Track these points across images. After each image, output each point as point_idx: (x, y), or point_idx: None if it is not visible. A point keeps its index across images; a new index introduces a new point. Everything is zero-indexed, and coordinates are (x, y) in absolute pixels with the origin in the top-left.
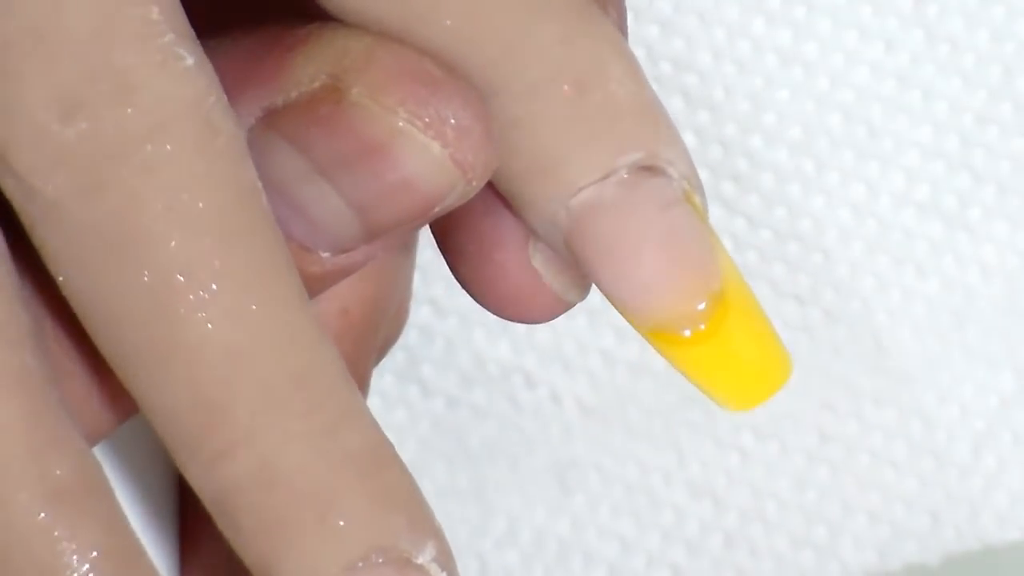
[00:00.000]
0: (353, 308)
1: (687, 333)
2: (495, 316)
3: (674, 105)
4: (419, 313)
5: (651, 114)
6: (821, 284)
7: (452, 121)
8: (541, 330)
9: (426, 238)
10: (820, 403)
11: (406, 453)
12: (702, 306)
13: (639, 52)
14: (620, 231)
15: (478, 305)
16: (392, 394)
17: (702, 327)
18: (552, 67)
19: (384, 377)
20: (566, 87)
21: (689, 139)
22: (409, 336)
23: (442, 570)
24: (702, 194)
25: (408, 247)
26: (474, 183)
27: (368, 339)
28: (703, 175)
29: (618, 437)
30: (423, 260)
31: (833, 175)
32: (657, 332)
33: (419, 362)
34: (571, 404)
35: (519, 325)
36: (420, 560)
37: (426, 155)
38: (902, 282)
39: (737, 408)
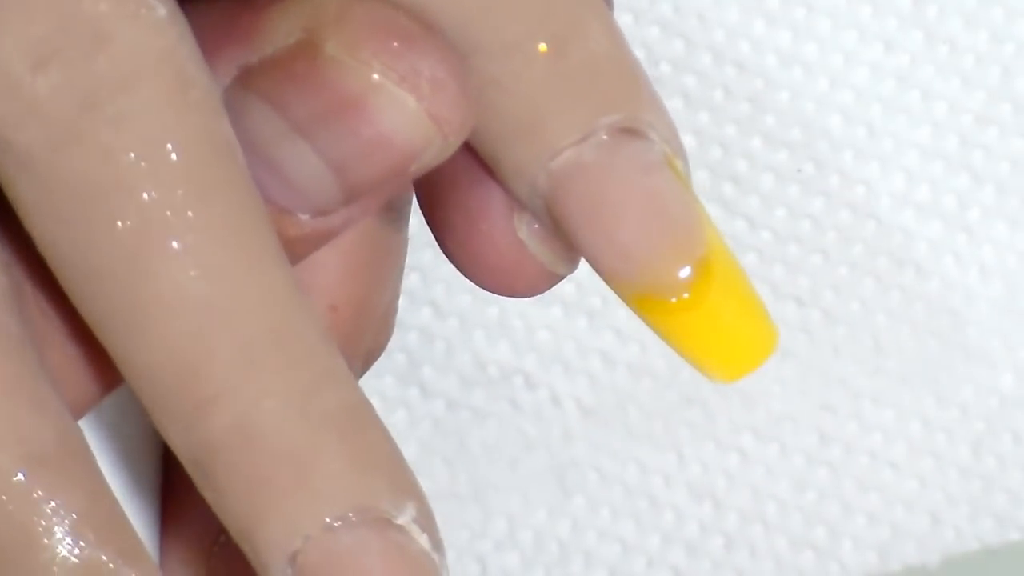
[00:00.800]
0: (343, 306)
1: (672, 300)
2: (493, 314)
3: (674, 106)
4: (419, 315)
5: (631, 75)
6: (821, 285)
7: (427, 75)
8: (541, 331)
9: (425, 239)
10: (820, 404)
11: (407, 455)
12: (686, 272)
13: (639, 53)
14: (600, 194)
15: (478, 307)
16: (392, 396)
17: (686, 295)
18: (529, 25)
19: (384, 379)
20: (543, 46)
21: (689, 140)
22: (409, 338)
23: (422, 531)
24: (684, 160)
25: (397, 252)
26: (451, 139)
27: (356, 339)
28: (703, 177)
29: (618, 438)
30: (423, 261)
31: (832, 176)
32: (641, 299)
33: (419, 364)
34: (571, 405)
35: (519, 327)
36: (400, 521)
37: (401, 109)
38: (902, 283)
39: (723, 379)
